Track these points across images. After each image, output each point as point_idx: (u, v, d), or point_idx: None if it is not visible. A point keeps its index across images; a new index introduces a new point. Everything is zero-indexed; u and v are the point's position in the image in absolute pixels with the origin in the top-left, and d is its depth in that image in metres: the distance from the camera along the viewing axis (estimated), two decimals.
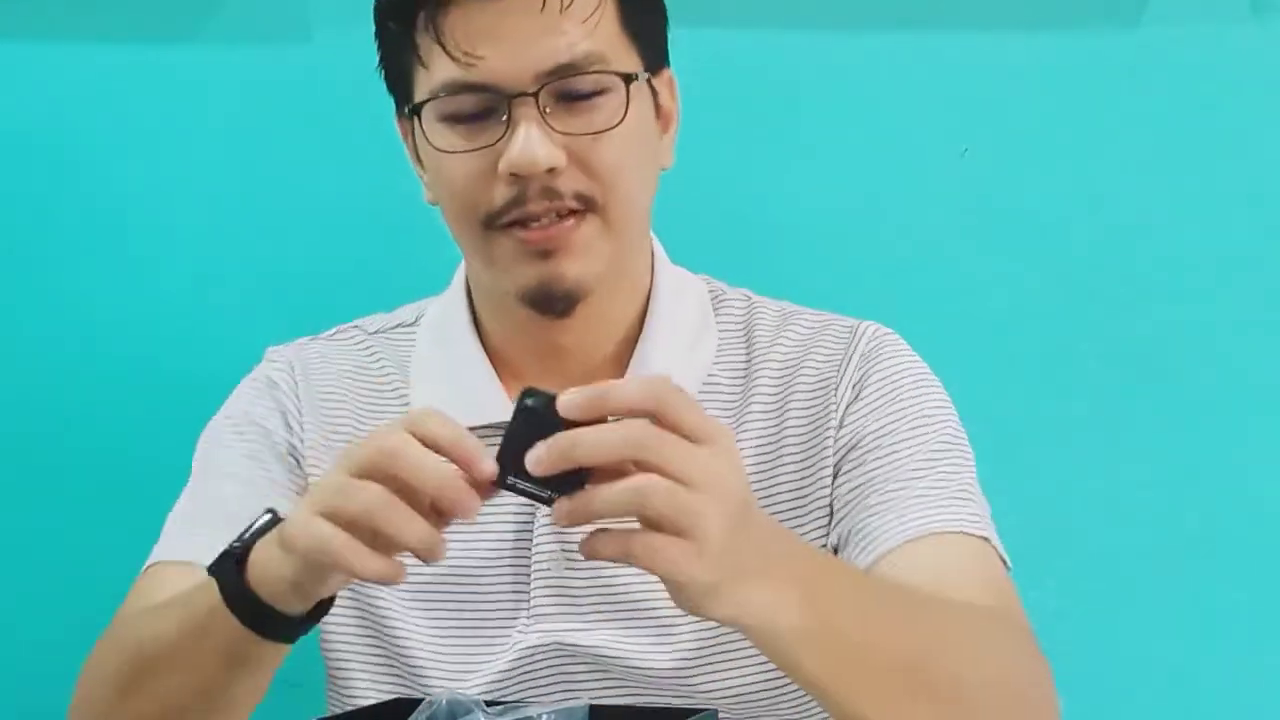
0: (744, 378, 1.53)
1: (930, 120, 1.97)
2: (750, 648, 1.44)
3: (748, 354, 1.54)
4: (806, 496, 1.49)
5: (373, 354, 1.58)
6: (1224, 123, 1.93)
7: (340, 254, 2.01)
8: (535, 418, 1.12)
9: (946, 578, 1.37)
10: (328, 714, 1.56)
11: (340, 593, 1.49)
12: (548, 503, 1.12)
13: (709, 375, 1.53)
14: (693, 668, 1.47)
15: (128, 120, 2.06)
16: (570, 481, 1.11)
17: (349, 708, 1.52)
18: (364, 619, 1.52)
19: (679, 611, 1.40)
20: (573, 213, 1.43)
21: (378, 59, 1.52)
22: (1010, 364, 1.97)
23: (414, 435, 1.15)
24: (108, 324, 2.06)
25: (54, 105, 2.07)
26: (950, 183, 1.96)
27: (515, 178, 1.42)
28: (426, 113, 1.45)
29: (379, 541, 1.16)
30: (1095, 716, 1.97)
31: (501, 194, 1.43)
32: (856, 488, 1.47)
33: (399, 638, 1.51)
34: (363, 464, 1.16)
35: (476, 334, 1.54)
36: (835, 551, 1.46)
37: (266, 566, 1.23)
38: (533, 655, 1.48)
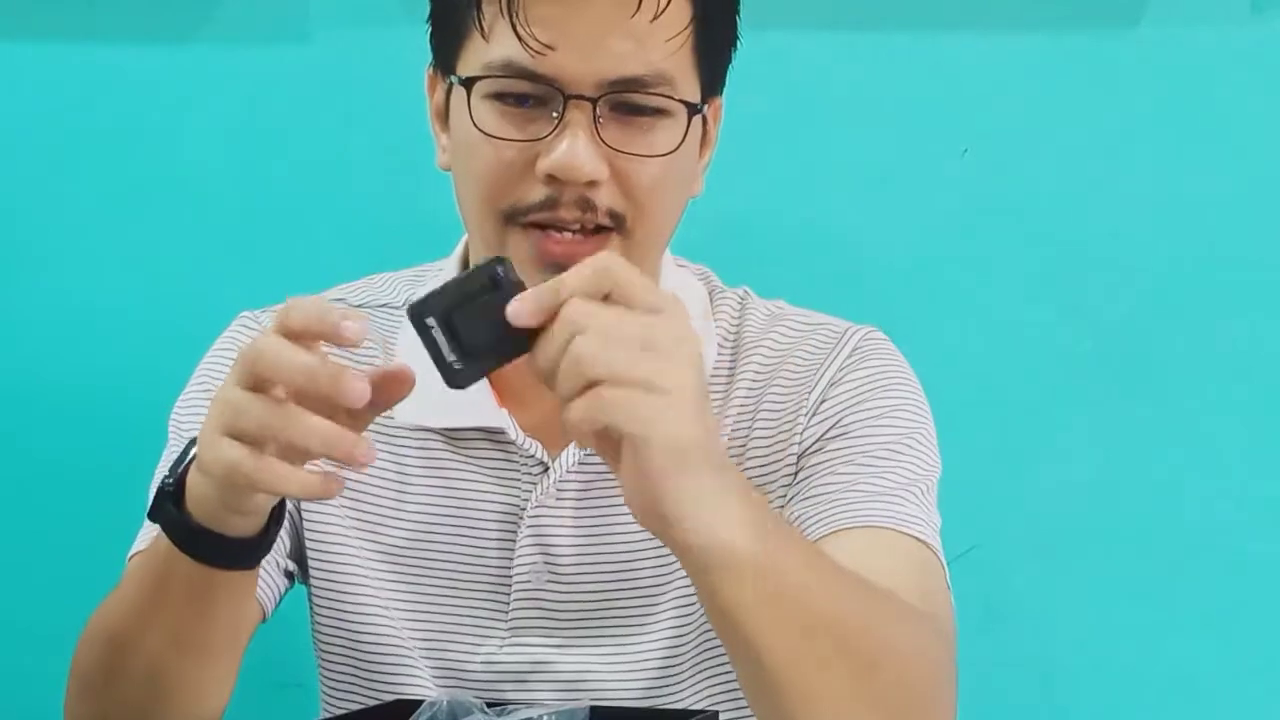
0: (727, 380, 1.50)
1: (930, 120, 1.97)
2: (718, 667, 1.46)
3: (734, 354, 1.51)
4: (767, 492, 1.46)
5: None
6: (1224, 123, 1.93)
7: (340, 254, 2.01)
8: (493, 289, 1.10)
9: (876, 571, 1.30)
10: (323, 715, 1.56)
11: (319, 595, 1.50)
12: (445, 361, 1.11)
13: (706, 377, 1.50)
14: (660, 688, 1.46)
15: (128, 120, 2.06)
16: (474, 356, 1.11)
17: (335, 711, 1.51)
18: (340, 625, 1.50)
19: (651, 631, 1.42)
20: (601, 229, 1.37)
21: (429, 8, 1.43)
22: (1010, 364, 1.96)
23: (280, 332, 1.13)
24: (107, 323, 2.06)
25: (54, 105, 2.07)
26: (950, 183, 1.96)
27: (552, 180, 1.36)
28: (472, 88, 1.38)
29: (291, 453, 1.13)
30: (1096, 717, 1.97)
31: (535, 192, 1.37)
32: (809, 472, 1.43)
33: (372, 644, 1.49)
34: (242, 375, 1.14)
35: None
36: None
37: (197, 495, 1.20)
38: (509, 670, 1.46)
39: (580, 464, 1.46)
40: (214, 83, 2.05)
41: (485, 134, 1.37)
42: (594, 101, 1.35)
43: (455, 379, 1.13)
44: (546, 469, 1.46)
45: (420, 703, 1.23)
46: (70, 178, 2.06)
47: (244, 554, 1.23)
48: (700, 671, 1.47)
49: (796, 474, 1.45)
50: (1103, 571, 1.96)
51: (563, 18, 1.34)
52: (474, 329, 1.12)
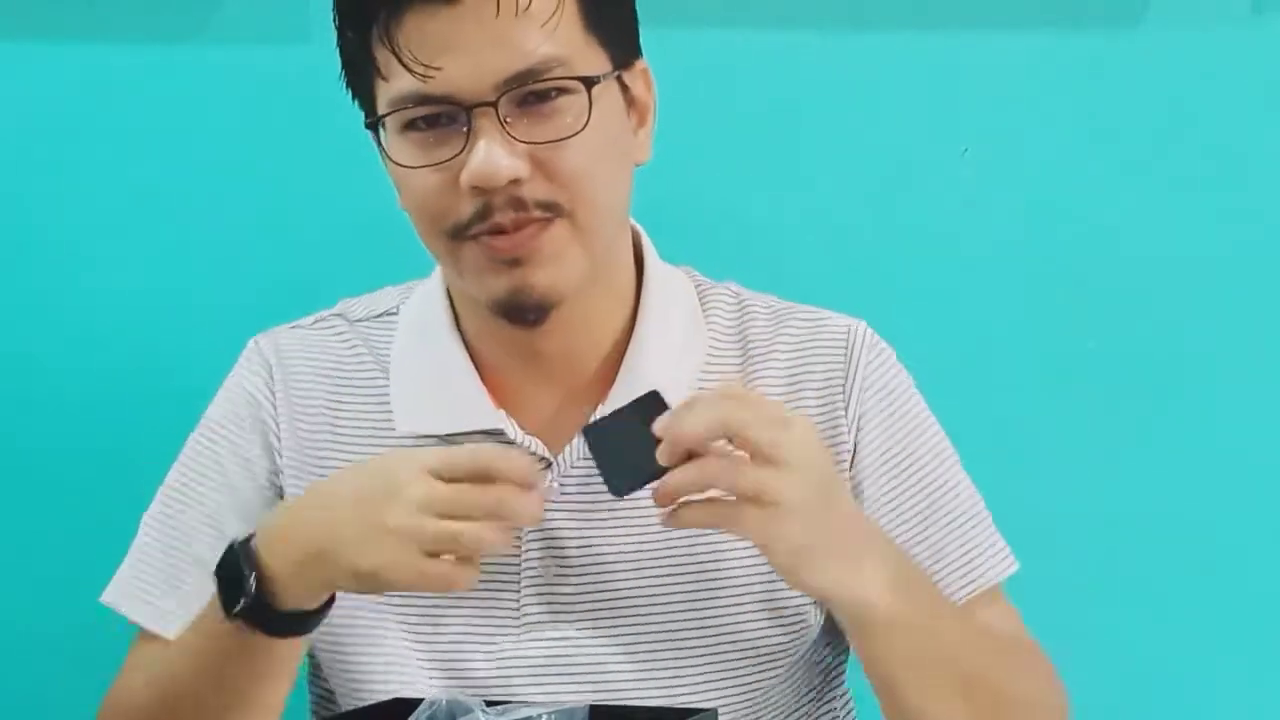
0: (735, 374, 1.51)
1: (930, 120, 1.96)
2: (730, 663, 1.47)
3: (742, 357, 1.52)
4: None
5: (352, 347, 1.56)
6: (1224, 123, 1.93)
7: (340, 254, 2.01)
8: (644, 418, 1.28)
9: (993, 623, 1.52)
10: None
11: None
12: (606, 474, 1.29)
13: (700, 379, 1.51)
14: (673, 683, 1.47)
15: (128, 120, 2.05)
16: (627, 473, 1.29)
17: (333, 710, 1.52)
18: (336, 642, 1.51)
19: (663, 624, 1.45)
20: (538, 220, 1.41)
21: (340, 70, 1.48)
22: (1011, 363, 1.96)
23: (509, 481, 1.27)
24: (108, 323, 2.05)
25: (54, 105, 2.07)
26: (950, 183, 1.96)
27: (479, 190, 1.39)
28: (387, 126, 1.43)
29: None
30: (1096, 716, 1.97)
31: (467, 207, 1.40)
32: (897, 509, 1.52)
33: (374, 646, 1.49)
34: (470, 509, 1.27)
35: (458, 333, 1.52)
36: None
37: (290, 582, 1.32)
38: (525, 665, 1.47)
39: (583, 459, 1.46)
40: (214, 83, 2.05)
41: (408, 166, 1.42)
42: (494, 104, 1.39)
43: (613, 490, 1.29)
44: (549, 465, 1.47)
45: (420, 702, 1.23)
46: (70, 178, 2.06)
47: (314, 620, 1.35)
48: (712, 667, 1.47)
49: (858, 484, 1.52)
50: (1103, 572, 1.96)
51: (439, 36, 1.39)
52: (628, 450, 1.28)
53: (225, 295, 2.03)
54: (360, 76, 1.45)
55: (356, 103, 1.48)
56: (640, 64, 1.49)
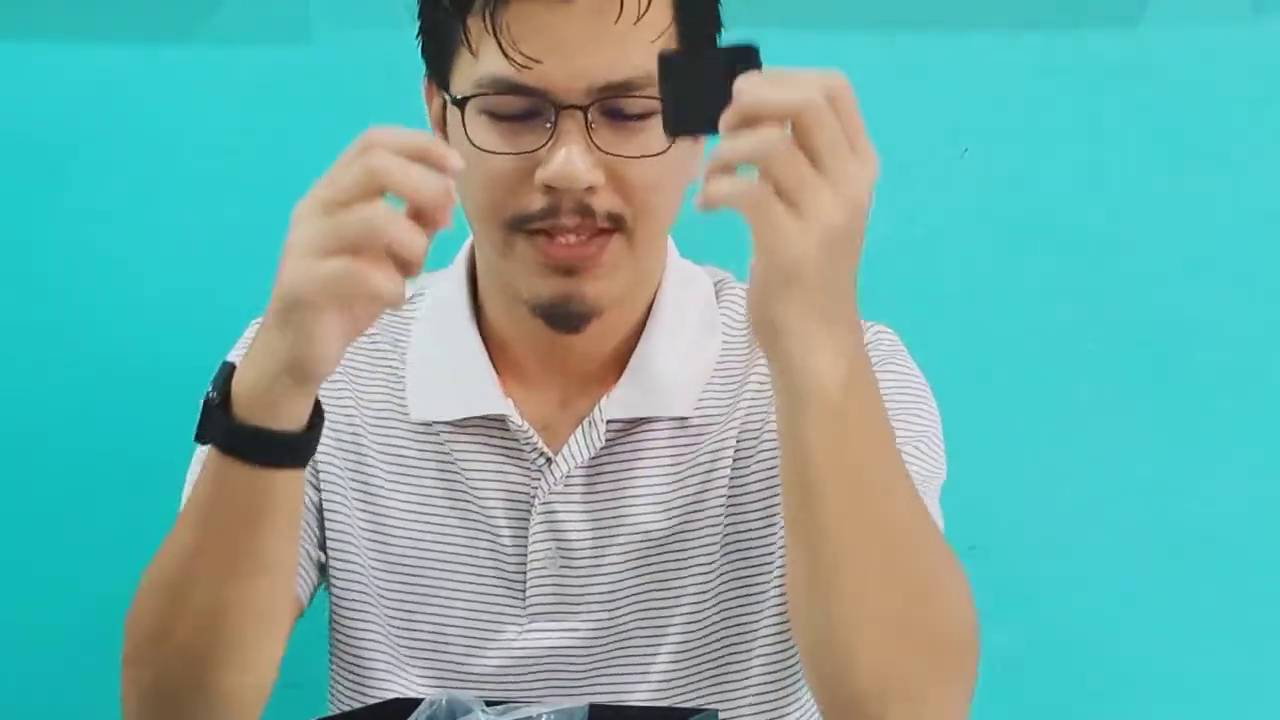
0: (743, 372, 1.50)
1: (930, 120, 1.97)
2: (730, 667, 1.47)
3: (749, 346, 1.51)
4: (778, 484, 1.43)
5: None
6: (1224, 122, 1.93)
7: None
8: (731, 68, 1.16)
9: None
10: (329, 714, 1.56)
11: (334, 595, 1.50)
12: (665, 109, 1.19)
13: (710, 381, 1.50)
14: (673, 684, 1.47)
15: (128, 120, 2.06)
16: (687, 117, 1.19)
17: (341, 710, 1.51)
18: (347, 627, 1.51)
19: (665, 624, 1.43)
20: (602, 231, 1.39)
21: (417, 27, 1.45)
22: (1011, 363, 1.96)
23: (398, 151, 1.17)
24: (108, 324, 2.06)
25: (54, 105, 2.07)
26: (950, 183, 1.96)
27: (551, 189, 1.38)
28: (470, 105, 1.40)
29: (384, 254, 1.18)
30: (1095, 716, 1.97)
31: (534, 201, 1.39)
32: None
33: (370, 641, 1.50)
34: (349, 192, 1.18)
35: (476, 324, 1.51)
36: None
37: (250, 388, 1.23)
38: (527, 657, 1.47)
39: (591, 459, 1.47)
40: (214, 83, 2.05)
41: (483, 150, 1.39)
42: (585, 109, 1.37)
43: (666, 127, 1.20)
44: (550, 460, 1.47)
45: (420, 701, 1.23)
46: (70, 178, 2.06)
47: (296, 447, 1.25)
48: (712, 669, 1.47)
49: None
50: (1104, 572, 1.96)
51: (546, 29, 1.35)
52: (697, 95, 1.17)
53: (225, 295, 2.03)
54: (441, 45, 1.42)
55: (425, 60, 1.46)
56: None
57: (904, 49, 1.96)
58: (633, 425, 1.48)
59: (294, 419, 1.24)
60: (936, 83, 1.96)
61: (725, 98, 1.15)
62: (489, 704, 1.22)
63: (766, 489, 1.47)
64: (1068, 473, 1.96)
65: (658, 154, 1.38)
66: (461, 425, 1.49)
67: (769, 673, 1.48)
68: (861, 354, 1.23)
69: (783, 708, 1.50)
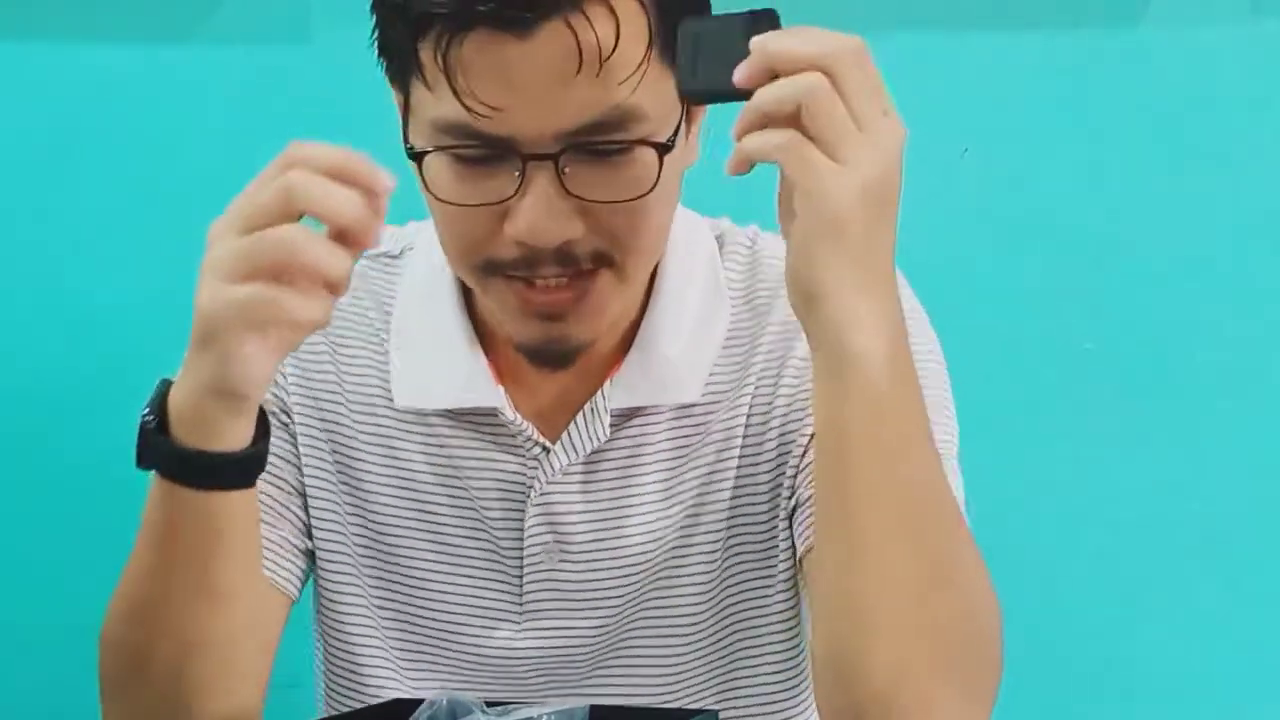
0: (749, 342, 1.43)
1: (930, 120, 1.96)
2: (731, 665, 1.45)
3: (752, 315, 1.43)
4: (790, 458, 1.41)
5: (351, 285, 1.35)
6: (1224, 123, 1.94)
7: None
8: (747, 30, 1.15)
9: None
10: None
11: (321, 587, 1.48)
12: (682, 72, 1.17)
13: (719, 354, 1.43)
14: (675, 682, 1.45)
15: (128, 120, 2.06)
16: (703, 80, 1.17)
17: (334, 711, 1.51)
18: (335, 622, 1.47)
19: (666, 621, 1.40)
20: (586, 271, 1.29)
21: (373, 37, 1.33)
22: (1010, 363, 1.97)
23: (305, 167, 1.13)
24: (108, 324, 2.06)
25: (54, 105, 2.07)
26: (950, 183, 1.96)
27: (524, 244, 1.27)
28: (426, 158, 1.28)
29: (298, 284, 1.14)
30: (1096, 715, 1.97)
31: (508, 250, 1.28)
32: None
33: (360, 640, 1.47)
34: (265, 212, 1.14)
35: (465, 307, 1.42)
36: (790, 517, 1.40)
37: (183, 409, 1.18)
38: (526, 654, 1.45)
39: (592, 453, 1.41)
40: (214, 83, 2.05)
41: (448, 203, 1.29)
42: (555, 157, 1.24)
43: (681, 88, 1.19)
44: (547, 451, 1.41)
45: (420, 702, 1.23)
46: (70, 178, 2.06)
47: (239, 469, 1.21)
48: (721, 669, 1.45)
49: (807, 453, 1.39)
50: (1104, 572, 1.96)
51: (505, 69, 1.22)
52: (715, 57, 1.15)
53: None
54: (399, 71, 1.30)
55: (387, 79, 1.33)
56: None
57: (904, 49, 1.96)
58: (635, 411, 1.41)
59: (234, 439, 1.19)
60: (936, 83, 1.96)
61: (743, 58, 1.12)
62: (489, 704, 1.21)
63: (775, 469, 1.41)
64: (1068, 473, 1.96)
65: (641, 196, 1.27)
66: (452, 414, 1.42)
67: (777, 671, 1.46)
68: (900, 325, 1.18)
69: (791, 709, 1.48)
